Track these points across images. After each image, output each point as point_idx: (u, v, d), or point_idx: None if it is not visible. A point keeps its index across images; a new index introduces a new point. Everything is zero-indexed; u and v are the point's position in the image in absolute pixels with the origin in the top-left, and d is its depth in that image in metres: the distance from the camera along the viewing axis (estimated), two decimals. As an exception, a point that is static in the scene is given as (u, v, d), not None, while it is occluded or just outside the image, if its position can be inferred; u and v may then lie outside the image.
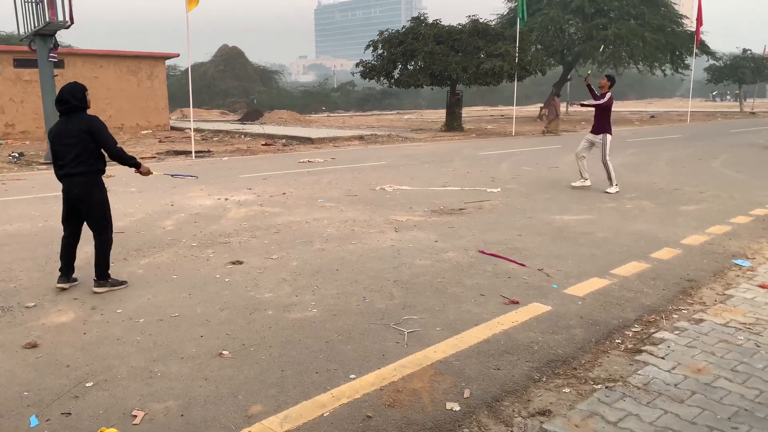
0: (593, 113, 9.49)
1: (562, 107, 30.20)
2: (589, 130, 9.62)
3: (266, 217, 7.44)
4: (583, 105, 9.91)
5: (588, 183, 9.52)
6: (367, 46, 24.12)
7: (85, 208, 4.59)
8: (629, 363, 3.41)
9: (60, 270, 4.71)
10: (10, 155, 14.27)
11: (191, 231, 6.68)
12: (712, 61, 38.93)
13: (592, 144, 9.39)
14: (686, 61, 32.33)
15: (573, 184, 9.66)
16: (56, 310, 4.27)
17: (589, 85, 9.37)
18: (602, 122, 9.30)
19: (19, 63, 20.23)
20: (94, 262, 4.65)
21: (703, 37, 30.54)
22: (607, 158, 9.19)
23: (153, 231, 6.71)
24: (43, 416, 2.87)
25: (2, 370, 3.35)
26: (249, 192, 9.32)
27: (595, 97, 9.26)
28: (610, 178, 9.14)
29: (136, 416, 2.86)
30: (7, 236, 6.49)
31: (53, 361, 3.46)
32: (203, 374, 3.29)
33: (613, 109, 9.42)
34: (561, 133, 22.22)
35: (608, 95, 9.14)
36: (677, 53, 31.74)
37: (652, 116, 34.13)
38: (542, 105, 22.98)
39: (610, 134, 9.29)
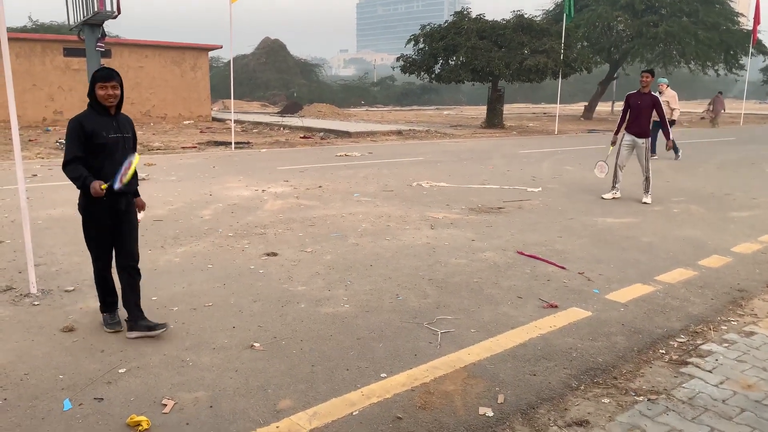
0: (639, 112, 8.13)
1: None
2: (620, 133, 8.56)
3: (302, 209, 7.44)
4: (667, 131, 8.62)
5: (619, 194, 8.57)
6: (409, 41, 23.91)
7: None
8: (674, 375, 3.25)
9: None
10: (57, 141, 14.71)
11: (228, 221, 6.72)
12: (768, 62, 37.33)
13: (633, 148, 8.34)
14: (741, 61, 31.10)
15: (604, 196, 8.57)
16: (94, 294, 4.30)
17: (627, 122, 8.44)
18: (648, 123, 8.27)
19: (69, 52, 20.85)
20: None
21: (760, 36, 29.32)
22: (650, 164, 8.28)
23: (191, 220, 6.78)
24: (77, 400, 2.90)
25: (40, 352, 3.41)
26: (286, 184, 9.35)
27: (661, 113, 8.35)
28: (648, 187, 8.26)
29: (165, 405, 2.86)
30: (51, 220, 6.66)
31: (89, 345, 3.51)
32: (234, 366, 3.27)
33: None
34: (718, 125, 25.73)
35: (656, 94, 8.37)
36: (732, 53, 30.54)
37: (702, 117, 32.95)
38: (708, 102, 27.19)
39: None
